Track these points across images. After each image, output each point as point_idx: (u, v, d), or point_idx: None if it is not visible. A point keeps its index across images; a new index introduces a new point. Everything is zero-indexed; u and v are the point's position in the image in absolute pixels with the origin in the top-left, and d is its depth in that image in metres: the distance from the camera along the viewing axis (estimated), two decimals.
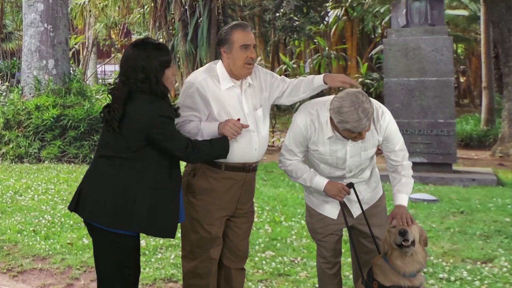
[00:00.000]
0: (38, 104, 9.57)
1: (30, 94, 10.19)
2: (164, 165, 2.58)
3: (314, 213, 3.06)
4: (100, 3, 16.93)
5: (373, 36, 19.08)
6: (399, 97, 8.05)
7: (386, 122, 2.82)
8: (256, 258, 4.40)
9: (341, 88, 2.88)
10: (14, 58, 15.75)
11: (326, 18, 17.44)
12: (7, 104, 10.10)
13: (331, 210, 2.99)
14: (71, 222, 5.46)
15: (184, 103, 2.83)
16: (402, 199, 2.83)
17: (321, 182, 2.87)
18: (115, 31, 19.65)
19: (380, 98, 9.43)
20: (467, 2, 16.19)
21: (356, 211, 2.97)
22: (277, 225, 5.41)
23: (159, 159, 2.56)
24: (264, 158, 9.80)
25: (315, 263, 4.08)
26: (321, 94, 3.08)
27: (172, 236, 2.63)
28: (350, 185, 2.88)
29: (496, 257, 4.38)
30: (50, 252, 4.59)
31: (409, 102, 8.04)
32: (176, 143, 2.54)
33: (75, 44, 19.95)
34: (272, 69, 17.23)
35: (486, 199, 6.38)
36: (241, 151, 2.84)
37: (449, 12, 15.95)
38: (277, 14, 13.09)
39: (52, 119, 9.35)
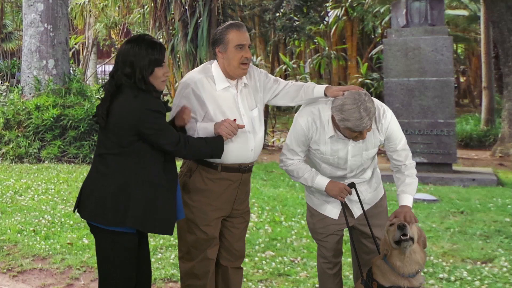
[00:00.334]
0: (38, 104, 9.57)
1: (30, 94, 10.19)
2: (158, 160, 2.57)
3: (315, 213, 3.06)
4: (100, 3, 16.93)
5: (373, 36, 19.08)
6: (399, 97, 8.06)
7: (387, 122, 2.82)
8: (256, 258, 4.40)
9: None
10: (14, 58, 15.76)
11: (326, 18, 17.43)
12: (7, 104, 10.10)
13: (332, 210, 2.99)
14: (71, 222, 5.46)
15: (179, 104, 2.83)
16: (407, 200, 2.83)
17: (322, 182, 2.87)
18: (115, 31, 19.64)
19: (380, 98, 9.41)
20: (467, 2, 16.19)
21: (357, 211, 2.97)
22: (277, 225, 5.41)
23: (152, 154, 2.55)
24: (264, 158, 9.81)
25: (315, 263, 4.08)
26: None
27: (170, 233, 2.62)
28: (352, 185, 2.88)
29: (496, 257, 4.38)
30: (50, 252, 4.59)
31: (409, 102, 8.04)
32: (166, 138, 2.53)
33: (75, 44, 19.95)
34: (272, 69, 17.23)
35: (486, 199, 6.38)
36: (237, 151, 2.83)
37: (449, 12, 15.96)
38: (277, 14, 13.07)
39: (52, 119, 9.36)
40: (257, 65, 14.28)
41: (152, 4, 11.00)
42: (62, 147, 9.32)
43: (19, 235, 5.07)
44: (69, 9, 14.38)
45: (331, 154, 2.85)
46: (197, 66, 3.14)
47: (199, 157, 2.82)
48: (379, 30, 18.12)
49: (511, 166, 9.11)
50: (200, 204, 2.85)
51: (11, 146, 9.44)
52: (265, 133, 11.31)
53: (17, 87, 10.61)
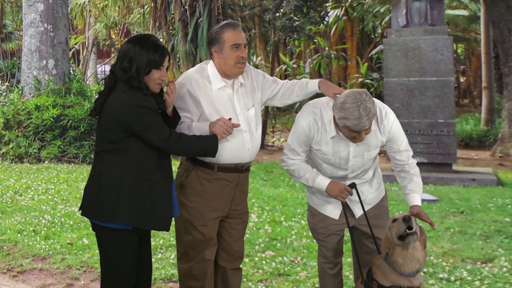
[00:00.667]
0: (38, 104, 9.57)
1: (30, 94, 10.19)
2: (152, 157, 2.57)
3: (315, 213, 3.06)
4: (100, 3, 16.92)
5: (373, 36, 19.09)
6: (399, 97, 8.06)
7: (390, 123, 2.83)
8: (256, 258, 4.40)
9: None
10: (14, 58, 15.76)
11: (326, 18, 17.43)
12: (7, 104, 10.10)
13: (333, 211, 2.99)
14: (71, 222, 5.46)
15: (175, 104, 2.83)
16: (417, 199, 2.85)
17: (323, 182, 2.87)
18: (115, 31, 19.63)
19: (380, 98, 9.41)
20: (467, 2, 16.20)
21: (358, 211, 2.96)
22: (277, 225, 5.41)
23: (145, 150, 2.55)
24: (264, 158, 9.81)
25: (315, 263, 4.08)
26: (316, 96, 3.06)
27: (166, 229, 2.63)
28: (353, 186, 2.87)
29: (496, 257, 4.38)
30: (50, 252, 4.59)
31: (409, 102, 8.04)
32: (157, 134, 2.53)
33: (75, 44, 19.95)
34: (272, 69, 17.22)
35: (486, 199, 6.38)
36: (233, 151, 2.83)
37: (449, 12, 15.96)
38: (277, 14, 13.07)
39: (52, 119, 9.36)
40: (257, 65, 14.30)
41: (152, 4, 11.00)
42: (62, 147, 9.32)
43: (19, 235, 5.07)
44: (69, 9, 14.38)
45: (332, 155, 2.85)
46: None
47: (192, 155, 2.82)
48: (379, 30, 18.12)
49: (511, 166, 9.11)
50: (197, 204, 2.85)
51: (11, 146, 9.44)
52: (265, 133, 11.31)
53: (17, 87, 10.61)
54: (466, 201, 6.28)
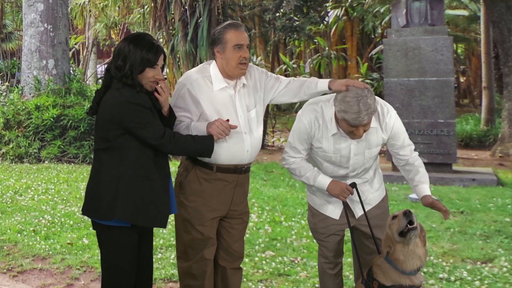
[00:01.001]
0: (38, 104, 9.57)
1: (30, 94, 10.19)
2: (148, 154, 2.58)
3: (316, 213, 3.06)
4: (100, 3, 16.93)
5: (373, 36, 19.09)
6: (399, 97, 8.05)
7: (392, 120, 2.84)
8: (256, 258, 4.40)
9: None
10: (14, 58, 15.76)
11: (326, 18, 17.44)
12: (7, 104, 10.10)
13: (334, 211, 2.99)
14: (71, 222, 5.46)
15: (175, 104, 2.83)
16: (427, 190, 2.85)
17: (324, 181, 2.87)
18: (115, 31, 19.63)
19: (380, 98, 9.43)
20: (467, 2, 16.20)
21: (358, 211, 2.96)
22: (277, 225, 5.41)
23: (141, 147, 2.56)
24: (264, 158, 9.81)
25: (315, 263, 4.08)
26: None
27: (163, 225, 2.63)
28: (353, 185, 2.87)
29: (496, 257, 4.38)
30: (50, 252, 4.59)
31: (409, 102, 8.04)
32: (150, 132, 2.53)
33: (75, 44, 19.95)
34: (272, 69, 17.21)
35: (486, 199, 6.38)
36: (233, 152, 2.82)
37: (449, 12, 15.96)
38: (277, 14, 13.09)
39: (52, 119, 9.36)
40: (257, 65, 14.27)
41: (152, 4, 11.00)
42: (62, 147, 9.32)
43: (19, 235, 5.07)
44: (69, 9, 14.38)
45: (333, 152, 2.85)
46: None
47: (186, 154, 2.83)
48: (379, 30, 18.13)
49: (511, 166, 9.11)
50: (195, 204, 2.85)
51: (11, 146, 9.44)
52: (265, 133, 11.30)
53: (17, 87, 10.61)
54: (466, 201, 6.28)
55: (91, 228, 5.14)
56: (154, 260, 4.30)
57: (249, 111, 2.88)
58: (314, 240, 3.24)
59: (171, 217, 2.75)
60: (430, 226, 5.27)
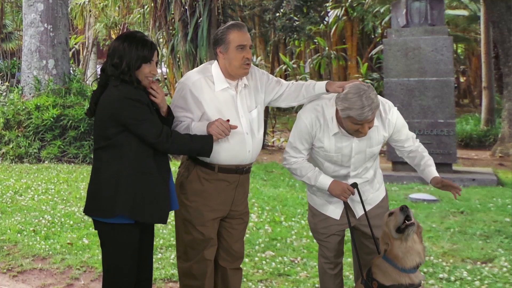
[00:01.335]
0: (38, 104, 9.57)
1: (30, 94, 10.19)
2: (148, 151, 2.59)
3: (316, 213, 3.06)
4: (100, 3, 16.92)
5: (373, 36, 19.08)
6: (399, 97, 8.05)
7: (394, 117, 2.86)
8: (256, 258, 4.40)
9: None
10: (14, 58, 15.75)
11: (326, 18, 17.43)
12: (7, 104, 10.10)
13: (334, 211, 2.99)
14: (71, 222, 5.46)
15: (176, 104, 2.84)
16: (435, 171, 2.92)
17: (325, 181, 2.87)
18: (115, 31, 19.62)
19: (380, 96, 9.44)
20: (467, 2, 16.19)
21: (359, 211, 2.97)
22: (277, 225, 5.41)
23: (140, 145, 2.57)
24: (264, 158, 9.81)
25: (315, 263, 4.08)
26: None
27: (163, 222, 2.64)
28: (354, 185, 2.88)
29: (496, 257, 4.38)
30: (50, 252, 4.59)
31: (409, 102, 8.05)
32: (147, 128, 2.54)
33: (75, 44, 19.94)
34: (272, 69, 17.19)
35: (486, 199, 6.38)
36: (234, 153, 2.82)
37: (449, 12, 15.95)
38: (277, 14, 13.08)
39: (52, 119, 9.36)
40: (257, 65, 14.27)
41: (152, 4, 11.00)
42: (62, 147, 9.32)
43: (19, 235, 5.07)
44: (69, 9, 14.38)
45: (335, 152, 2.85)
46: (197, 66, 3.13)
47: (184, 153, 2.84)
48: (379, 30, 18.11)
49: (511, 166, 9.11)
50: (196, 204, 2.85)
51: (11, 146, 9.44)
52: (265, 133, 11.30)
53: (17, 87, 10.61)
54: (466, 201, 6.27)
55: (91, 228, 5.18)
56: (154, 260, 4.30)
57: (250, 111, 2.88)
58: (314, 240, 3.24)
59: (171, 217, 2.75)
60: (430, 226, 5.27)
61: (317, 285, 3.76)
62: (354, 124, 2.67)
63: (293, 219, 5.61)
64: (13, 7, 19.06)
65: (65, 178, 7.78)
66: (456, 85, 17.65)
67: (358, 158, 2.87)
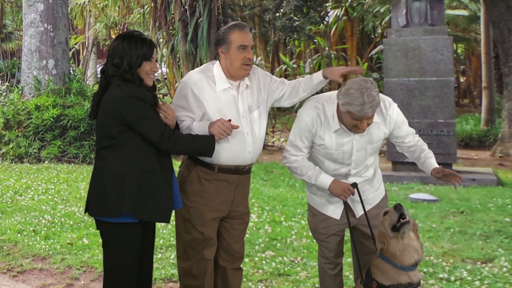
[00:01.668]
0: (38, 104, 9.57)
1: (30, 94, 10.18)
2: (151, 150, 2.59)
3: (317, 213, 3.06)
4: (100, 3, 16.92)
5: (373, 36, 19.08)
6: (399, 97, 8.04)
7: (395, 113, 2.89)
8: (256, 258, 4.40)
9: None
10: (14, 58, 15.75)
11: (326, 18, 17.44)
12: (7, 104, 10.09)
13: (335, 211, 2.99)
14: (71, 222, 5.46)
15: (178, 103, 2.84)
16: (435, 162, 2.93)
17: (326, 180, 2.87)
18: (115, 31, 19.62)
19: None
20: (467, 2, 16.19)
21: (359, 211, 2.97)
22: (277, 225, 5.41)
23: (143, 144, 2.57)
24: (264, 158, 9.80)
25: (315, 263, 4.08)
26: (319, 92, 3.08)
27: (167, 221, 2.65)
28: (354, 185, 2.88)
29: (496, 257, 4.38)
30: (50, 252, 4.59)
31: (409, 102, 8.05)
32: (150, 127, 2.55)
33: (75, 44, 19.94)
34: (272, 69, 17.20)
35: (486, 199, 6.38)
36: (234, 153, 2.82)
37: (449, 12, 15.94)
38: (277, 14, 13.10)
39: (52, 119, 9.35)
40: (257, 65, 14.28)
41: (152, 4, 10.99)
42: (62, 147, 9.31)
43: (19, 235, 5.07)
44: (69, 9, 14.37)
45: (336, 149, 2.86)
46: (197, 66, 3.14)
47: (185, 154, 2.84)
48: (379, 30, 18.11)
49: (511, 166, 9.11)
50: (196, 204, 2.85)
51: (11, 146, 9.44)
52: (265, 133, 11.28)
53: (17, 87, 10.60)
54: (466, 201, 6.27)
55: (91, 228, 5.18)
56: (154, 260, 4.31)
57: (251, 112, 2.88)
58: (314, 240, 3.24)
59: (172, 217, 2.75)
60: (430, 226, 5.27)
61: (317, 285, 3.76)
62: (353, 120, 2.68)
63: (293, 219, 5.61)
64: (13, 7, 19.06)
65: (65, 178, 7.78)
66: (456, 85, 17.65)
67: (359, 155, 2.87)
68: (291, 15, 12.92)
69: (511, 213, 5.71)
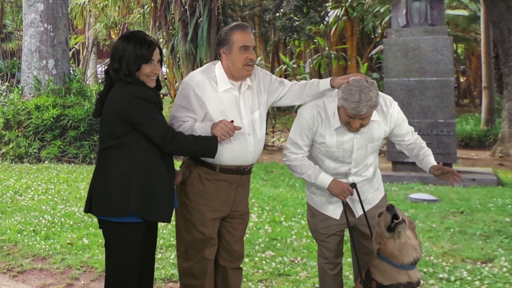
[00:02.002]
0: (38, 104, 9.57)
1: (30, 94, 10.19)
2: (156, 150, 2.60)
3: (316, 213, 3.06)
4: (100, 3, 16.93)
5: (373, 36, 19.09)
6: (399, 97, 8.04)
7: (396, 111, 2.91)
8: (256, 258, 4.40)
9: None
10: (14, 58, 15.76)
11: (326, 18, 17.44)
12: (7, 104, 10.10)
13: (335, 210, 2.99)
14: (71, 222, 5.46)
15: (180, 104, 2.83)
16: (433, 160, 2.94)
17: (325, 179, 2.87)
18: (115, 31, 19.63)
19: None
20: (467, 2, 16.19)
21: (359, 211, 2.97)
22: (277, 225, 5.41)
23: (149, 143, 2.58)
24: (264, 158, 9.80)
25: (315, 263, 4.08)
26: None
27: (168, 220, 2.65)
28: (353, 185, 2.88)
29: (496, 257, 4.38)
30: (50, 252, 4.59)
31: (409, 102, 8.05)
32: (155, 129, 2.55)
33: (75, 44, 19.95)
34: (272, 69, 17.20)
35: (486, 199, 6.38)
36: (236, 153, 2.82)
37: (449, 12, 15.95)
38: (277, 14, 13.10)
39: (52, 119, 9.35)
40: (257, 65, 14.29)
41: (152, 4, 10.99)
42: (62, 147, 9.31)
43: (19, 235, 5.07)
44: (69, 9, 14.38)
45: (336, 147, 2.86)
46: (197, 66, 3.15)
47: (188, 155, 2.84)
48: (379, 30, 18.12)
49: (511, 166, 9.11)
50: (197, 204, 2.85)
51: (11, 146, 9.44)
52: (265, 133, 11.29)
53: (17, 87, 10.61)
54: (466, 201, 6.27)
55: (91, 228, 5.18)
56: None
57: (253, 112, 2.88)
58: (314, 240, 3.24)
59: (172, 216, 2.76)
60: (430, 226, 5.27)
61: (317, 285, 3.76)
62: (347, 116, 2.70)
63: (293, 219, 5.61)
64: (13, 7, 19.07)
65: (65, 178, 7.78)
66: (456, 85, 17.66)
67: (359, 154, 2.88)
68: (291, 15, 12.92)
69: (511, 213, 5.71)
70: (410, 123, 3.13)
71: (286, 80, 3.06)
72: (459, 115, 13.60)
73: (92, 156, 9.13)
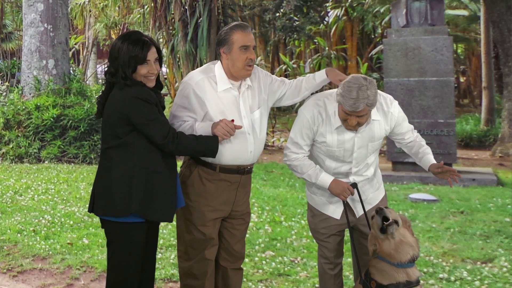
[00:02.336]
0: (38, 104, 9.57)
1: (30, 94, 10.19)
2: (156, 150, 2.60)
3: (317, 213, 3.06)
4: (100, 3, 16.93)
5: (373, 36, 19.09)
6: (399, 97, 8.04)
7: (396, 110, 2.93)
8: (256, 258, 4.40)
9: None
10: (14, 58, 15.76)
11: (326, 18, 17.44)
12: (7, 104, 10.10)
13: (335, 210, 2.99)
14: (71, 222, 5.46)
15: (180, 103, 2.83)
16: (432, 159, 2.95)
17: (326, 179, 2.87)
18: (115, 31, 19.62)
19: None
20: (467, 2, 16.19)
21: (359, 210, 2.98)
22: (277, 225, 5.41)
23: (149, 143, 2.58)
24: (264, 158, 9.80)
25: (315, 263, 4.08)
26: (320, 90, 3.09)
27: (170, 220, 2.66)
28: (354, 185, 2.88)
29: (496, 257, 4.38)
30: (50, 252, 4.59)
31: (409, 102, 8.05)
32: (155, 129, 2.55)
33: (75, 44, 19.95)
34: (272, 69, 17.20)
35: (486, 199, 6.38)
36: (236, 153, 2.82)
37: (449, 12, 15.95)
38: (277, 14, 13.10)
39: (52, 119, 9.35)
40: (257, 65, 14.28)
41: (152, 4, 10.99)
42: (62, 147, 9.31)
43: (19, 235, 5.07)
44: (69, 9, 14.38)
45: (337, 146, 2.86)
46: (197, 66, 3.14)
47: (189, 155, 2.84)
48: (379, 30, 18.12)
49: (511, 166, 9.11)
50: (198, 204, 2.85)
51: (11, 146, 9.44)
52: (266, 133, 11.28)
53: (17, 87, 10.61)
54: (466, 201, 6.27)
55: (91, 228, 5.18)
56: None
57: (253, 112, 2.88)
58: (314, 240, 3.25)
59: (175, 210, 2.76)
60: (430, 226, 5.27)
61: (317, 285, 3.76)
62: (344, 113, 2.71)
63: (293, 219, 5.61)
64: (13, 7, 19.07)
65: (65, 178, 7.77)
66: (456, 85, 17.66)
67: (360, 153, 2.88)
68: (291, 15, 12.92)
69: (511, 213, 5.71)
70: (410, 123, 3.14)
71: (286, 79, 3.08)
72: (459, 115, 13.59)
73: (92, 156, 9.14)
